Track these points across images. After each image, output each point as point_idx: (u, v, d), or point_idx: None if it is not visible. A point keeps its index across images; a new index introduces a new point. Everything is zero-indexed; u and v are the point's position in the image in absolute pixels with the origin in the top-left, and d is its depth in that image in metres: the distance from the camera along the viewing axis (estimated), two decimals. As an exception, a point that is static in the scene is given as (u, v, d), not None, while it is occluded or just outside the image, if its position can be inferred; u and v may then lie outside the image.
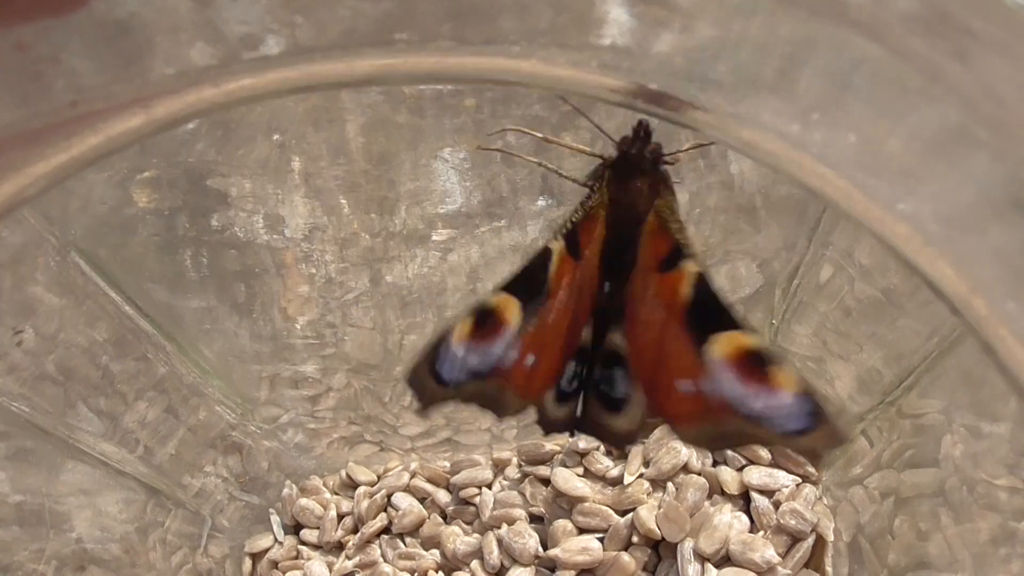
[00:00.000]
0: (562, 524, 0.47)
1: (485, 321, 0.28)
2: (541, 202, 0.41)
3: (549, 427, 0.31)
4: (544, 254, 0.28)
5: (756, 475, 0.45)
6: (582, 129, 0.38)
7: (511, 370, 0.28)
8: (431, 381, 0.28)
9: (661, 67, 0.21)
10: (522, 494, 0.49)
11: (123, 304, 0.39)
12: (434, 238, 0.41)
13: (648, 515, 0.45)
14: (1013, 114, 0.19)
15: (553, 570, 0.46)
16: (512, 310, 0.28)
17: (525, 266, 0.28)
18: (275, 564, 0.52)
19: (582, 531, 0.47)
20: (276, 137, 0.37)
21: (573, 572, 0.46)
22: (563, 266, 0.28)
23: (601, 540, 0.46)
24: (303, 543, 0.53)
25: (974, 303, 0.20)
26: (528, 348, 0.28)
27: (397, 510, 0.51)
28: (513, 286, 0.28)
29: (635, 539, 0.45)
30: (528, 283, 0.28)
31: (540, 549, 0.47)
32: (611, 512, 0.46)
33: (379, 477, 0.53)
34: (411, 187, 0.39)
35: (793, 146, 0.21)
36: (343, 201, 0.39)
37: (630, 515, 0.45)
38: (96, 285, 0.38)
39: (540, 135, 0.33)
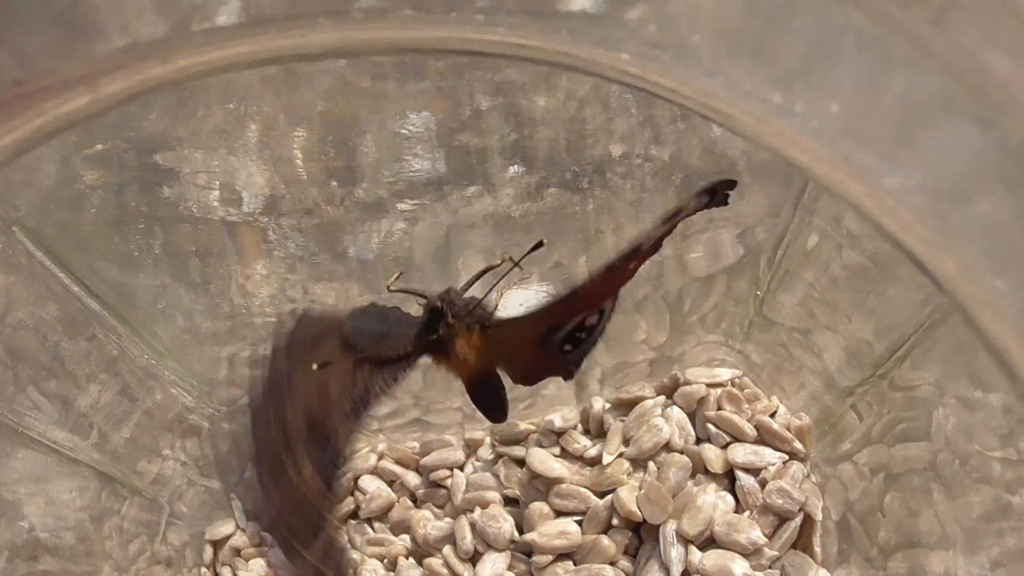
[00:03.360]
0: (538, 507, 0.47)
1: None
2: (513, 169, 0.40)
3: None
4: None
5: (741, 453, 0.45)
6: (558, 90, 0.38)
7: None
8: None
9: (634, 35, 0.21)
10: (496, 476, 0.49)
11: (71, 284, 0.39)
12: (400, 207, 0.41)
13: (628, 496, 0.45)
14: (996, 81, 0.19)
15: (530, 555, 0.47)
16: None
17: None
18: (238, 552, 0.52)
19: (559, 514, 0.47)
20: (231, 105, 0.36)
21: (551, 557, 0.46)
22: None
23: (579, 523, 0.47)
24: (266, 529, 0.53)
25: (961, 281, 0.20)
26: None
27: (364, 494, 0.51)
28: None
29: (615, 521, 0.46)
30: None
31: (516, 533, 0.47)
32: (590, 494, 0.46)
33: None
34: (374, 154, 0.39)
35: (774, 116, 0.22)
36: (302, 170, 0.39)
37: (609, 497, 0.46)
38: (41, 264, 0.38)
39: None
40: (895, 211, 0.21)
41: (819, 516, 0.44)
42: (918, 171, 0.20)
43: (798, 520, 0.44)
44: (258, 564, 0.52)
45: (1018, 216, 0.19)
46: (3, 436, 0.40)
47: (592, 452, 0.48)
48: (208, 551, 0.53)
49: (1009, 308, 0.20)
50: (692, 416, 0.47)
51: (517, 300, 0.44)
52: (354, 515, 0.52)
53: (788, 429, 0.45)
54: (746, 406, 0.46)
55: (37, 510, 0.42)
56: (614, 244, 0.43)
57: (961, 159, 0.20)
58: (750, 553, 0.43)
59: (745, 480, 0.44)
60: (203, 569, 0.52)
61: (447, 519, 0.49)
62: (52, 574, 0.42)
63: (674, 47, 0.21)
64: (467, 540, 0.48)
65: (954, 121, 0.20)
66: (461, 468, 0.50)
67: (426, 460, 0.51)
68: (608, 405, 0.48)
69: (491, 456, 0.50)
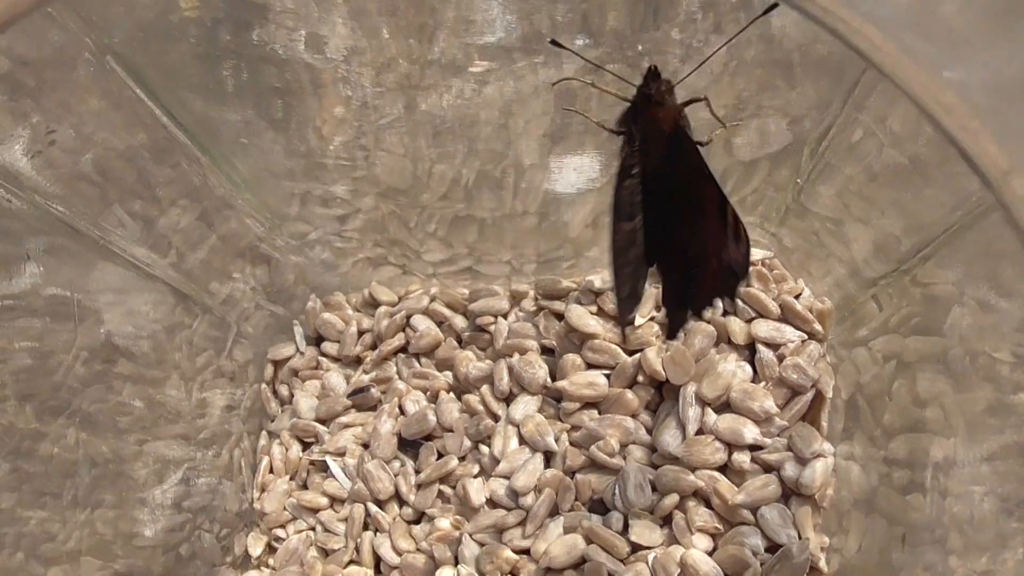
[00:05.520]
0: (572, 358, 0.47)
1: None
2: (579, 41, 0.39)
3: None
4: None
5: (764, 328, 0.44)
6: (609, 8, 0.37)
7: None
8: None
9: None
10: (536, 326, 0.49)
11: (159, 114, 0.38)
12: (471, 69, 0.40)
13: (655, 357, 0.45)
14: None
15: (559, 401, 0.47)
16: None
17: None
18: (295, 372, 0.53)
19: (590, 366, 0.47)
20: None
21: (578, 404, 0.46)
22: None
23: (608, 376, 0.47)
24: (323, 355, 0.53)
25: (1012, 180, 0.19)
26: None
27: (415, 331, 0.51)
28: None
29: (640, 378, 0.46)
30: None
31: (548, 380, 0.47)
32: (619, 351, 0.46)
33: (400, 299, 0.53)
34: (452, 15, 0.38)
35: (841, 2, 0.20)
36: (383, 25, 0.38)
37: (638, 355, 0.46)
38: (132, 92, 0.37)
39: (591, 83, 0.37)
40: (953, 105, 0.19)
41: (829, 394, 0.43)
42: (981, 67, 0.19)
43: (809, 395, 0.43)
44: (313, 385, 0.53)
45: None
46: (88, 249, 0.39)
47: (626, 314, 0.47)
48: (269, 369, 0.54)
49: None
50: (722, 290, 0.46)
51: (572, 165, 0.43)
52: (403, 349, 0.52)
53: (810, 311, 0.45)
54: (773, 286, 0.46)
55: (116, 319, 0.42)
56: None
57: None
58: (761, 420, 0.43)
59: (765, 353, 0.44)
60: (263, 385, 0.53)
61: (488, 361, 0.49)
62: (126, 376, 0.43)
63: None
64: (504, 381, 0.48)
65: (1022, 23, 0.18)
66: (505, 316, 0.50)
67: (474, 306, 0.51)
68: (645, 272, 0.47)
69: (533, 308, 0.50)
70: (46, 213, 0.37)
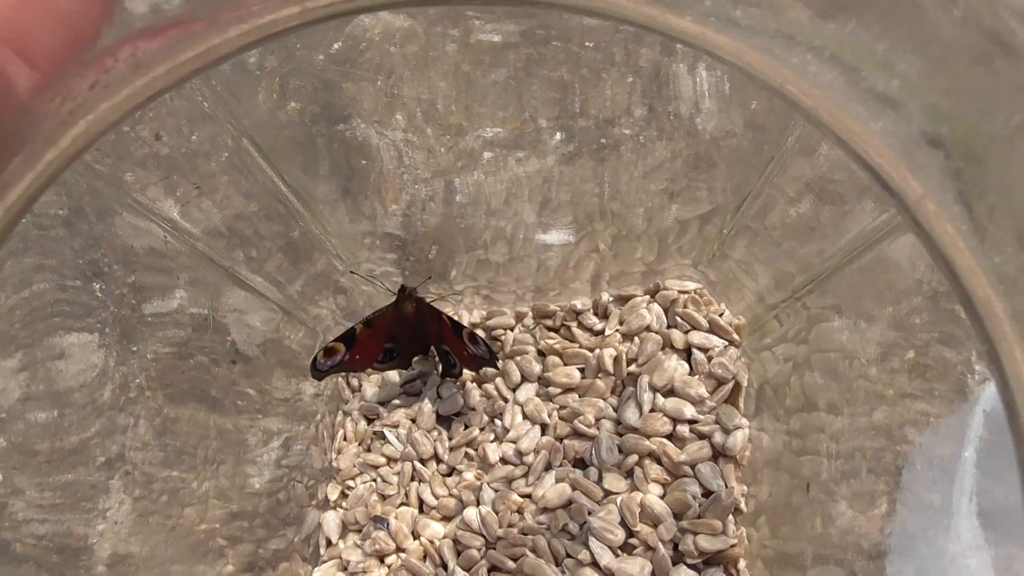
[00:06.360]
0: (557, 358, 0.44)
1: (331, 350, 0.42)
2: (558, 137, 0.37)
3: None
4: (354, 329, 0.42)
5: (697, 337, 0.41)
6: (606, 84, 0.34)
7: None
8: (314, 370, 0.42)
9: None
10: (533, 336, 0.46)
11: (276, 180, 0.35)
12: (485, 156, 0.37)
13: (608, 357, 0.43)
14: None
15: (548, 386, 0.44)
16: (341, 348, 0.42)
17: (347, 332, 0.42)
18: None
19: (570, 364, 0.44)
20: (379, 82, 0.33)
21: (563, 389, 0.44)
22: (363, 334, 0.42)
23: (582, 371, 0.44)
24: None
25: (924, 204, 0.17)
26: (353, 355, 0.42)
27: (448, 340, 0.48)
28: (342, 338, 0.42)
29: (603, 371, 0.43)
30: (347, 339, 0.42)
31: (542, 373, 0.44)
32: (589, 353, 0.44)
33: (438, 318, 0.50)
34: (479, 111, 0.35)
35: (793, 73, 0.17)
36: (427, 126, 0.35)
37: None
38: (259, 164, 0.34)
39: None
40: (879, 148, 0.17)
41: (745, 384, 0.41)
42: (898, 122, 0.17)
43: (730, 385, 0.40)
44: (376, 377, 0.50)
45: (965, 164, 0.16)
46: (224, 277, 0.37)
47: (598, 327, 0.45)
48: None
49: (961, 225, 0.16)
50: (666, 310, 0.43)
51: (559, 223, 0.40)
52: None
53: (730, 325, 0.42)
54: (703, 307, 0.43)
55: (238, 331, 0.39)
56: (620, 208, 0.39)
57: (927, 122, 0.16)
58: (696, 402, 0.40)
59: (698, 355, 0.41)
60: (340, 377, 0.50)
61: (501, 361, 0.46)
62: (244, 371, 0.40)
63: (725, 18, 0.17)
64: (511, 374, 0.44)
65: (924, 96, 0.16)
66: (512, 329, 0.47)
67: (490, 322, 0.47)
68: (611, 298, 0.45)
69: (531, 323, 0.47)
70: (193, 250, 0.34)
